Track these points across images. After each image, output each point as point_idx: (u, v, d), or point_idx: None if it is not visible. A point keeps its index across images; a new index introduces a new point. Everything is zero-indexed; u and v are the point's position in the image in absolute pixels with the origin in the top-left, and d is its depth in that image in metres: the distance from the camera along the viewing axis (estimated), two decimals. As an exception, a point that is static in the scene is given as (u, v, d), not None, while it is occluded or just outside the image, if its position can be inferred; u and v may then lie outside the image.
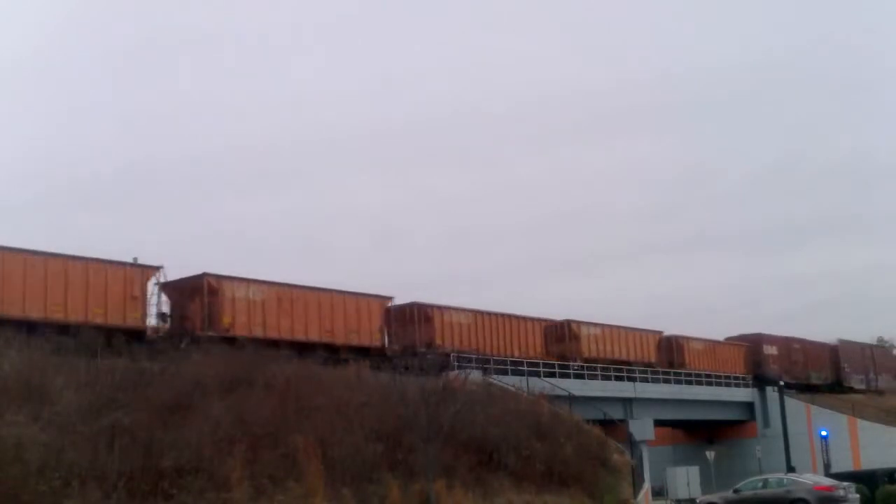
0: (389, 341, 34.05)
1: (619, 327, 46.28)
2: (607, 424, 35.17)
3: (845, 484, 32.73)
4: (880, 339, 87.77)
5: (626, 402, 42.37)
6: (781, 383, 50.25)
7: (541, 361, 38.70)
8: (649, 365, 46.30)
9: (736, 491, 33.60)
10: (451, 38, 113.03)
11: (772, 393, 51.02)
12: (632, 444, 35.54)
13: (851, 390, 59.47)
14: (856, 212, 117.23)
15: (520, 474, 25.72)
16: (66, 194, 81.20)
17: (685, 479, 37.36)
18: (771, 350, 55.70)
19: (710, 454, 42.37)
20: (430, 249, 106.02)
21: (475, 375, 32.71)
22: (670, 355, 49.71)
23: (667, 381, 46.47)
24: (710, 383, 49.72)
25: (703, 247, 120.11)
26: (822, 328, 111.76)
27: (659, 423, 45.05)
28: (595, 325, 44.55)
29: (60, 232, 72.59)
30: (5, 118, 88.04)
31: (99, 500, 16.60)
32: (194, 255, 76.32)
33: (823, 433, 46.93)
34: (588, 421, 32.96)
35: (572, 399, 35.19)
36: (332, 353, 31.21)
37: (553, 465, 26.89)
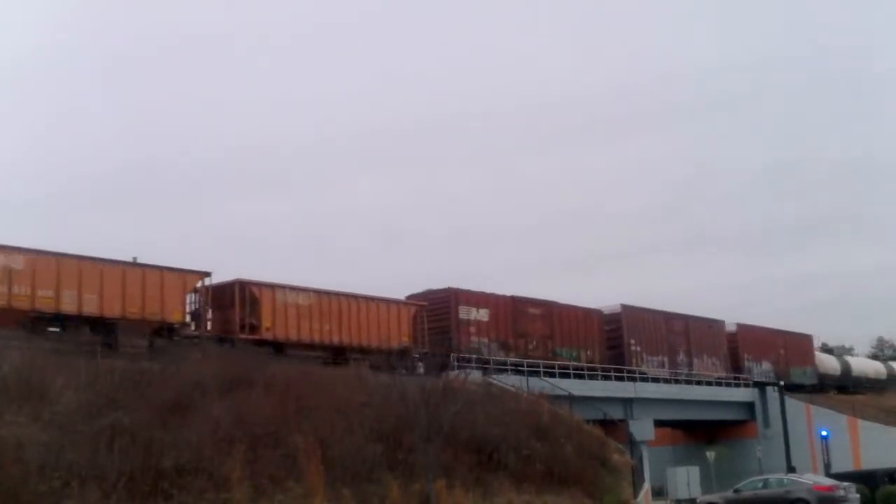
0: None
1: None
2: (607, 424, 35.17)
3: (845, 484, 32.74)
4: (880, 340, 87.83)
5: (626, 402, 42.33)
6: (781, 383, 50.27)
7: (541, 361, 38.69)
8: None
9: (736, 491, 33.61)
10: (456, 39, 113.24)
11: (772, 393, 51.01)
12: (632, 444, 35.56)
13: (637, 375, 43.68)
14: (857, 212, 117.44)
15: (520, 474, 25.71)
16: (67, 194, 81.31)
17: (685, 479, 37.28)
18: (477, 314, 37.50)
19: (711, 454, 42.33)
20: (434, 249, 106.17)
21: (475, 375, 32.72)
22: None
23: (667, 382, 46.45)
24: (710, 383, 49.70)
25: (704, 247, 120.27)
26: (823, 329, 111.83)
27: (659, 424, 45.00)
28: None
29: (61, 231, 72.86)
30: (6, 118, 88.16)
31: (99, 500, 16.61)
32: (195, 254, 76.55)
33: (824, 433, 46.91)
34: (588, 421, 32.95)
35: (572, 399, 35.17)
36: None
37: (553, 465, 26.89)
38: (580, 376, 40.11)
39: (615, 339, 44.32)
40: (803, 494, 31.49)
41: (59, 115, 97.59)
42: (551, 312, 40.88)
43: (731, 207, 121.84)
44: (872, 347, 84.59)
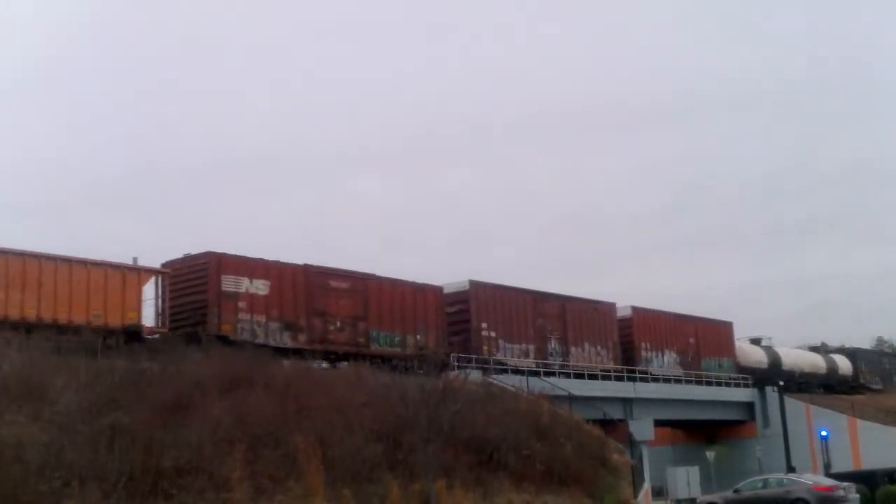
0: None
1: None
2: (607, 424, 35.17)
3: (845, 484, 32.74)
4: (880, 340, 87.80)
5: (626, 402, 42.32)
6: (781, 383, 50.28)
7: (540, 361, 38.66)
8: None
9: (736, 491, 33.61)
10: (460, 40, 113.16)
11: (772, 393, 51.02)
12: (632, 444, 35.55)
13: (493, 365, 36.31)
14: (857, 214, 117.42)
15: (520, 474, 25.71)
16: (71, 196, 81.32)
17: (685, 479, 37.32)
18: (250, 286, 29.37)
19: (710, 454, 42.36)
20: (439, 251, 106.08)
21: (475, 375, 32.70)
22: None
23: (667, 381, 46.44)
24: (710, 383, 49.70)
25: (705, 249, 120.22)
26: (825, 328, 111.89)
27: (659, 423, 45.01)
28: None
29: (65, 234, 72.86)
30: (11, 123, 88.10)
31: (99, 500, 16.60)
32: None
33: (823, 433, 46.92)
34: (588, 421, 32.94)
35: (572, 399, 35.18)
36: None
37: (553, 465, 26.88)
38: (580, 376, 40.03)
39: (460, 322, 36.69)
40: (803, 494, 31.48)
41: (58, 114, 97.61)
42: (365, 287, 32.85)
43: (732, 209, 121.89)
44: (872, 347, 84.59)
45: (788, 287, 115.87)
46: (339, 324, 31.66)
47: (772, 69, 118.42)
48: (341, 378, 27.22)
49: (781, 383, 50.39)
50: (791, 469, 41.69)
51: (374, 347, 32.54)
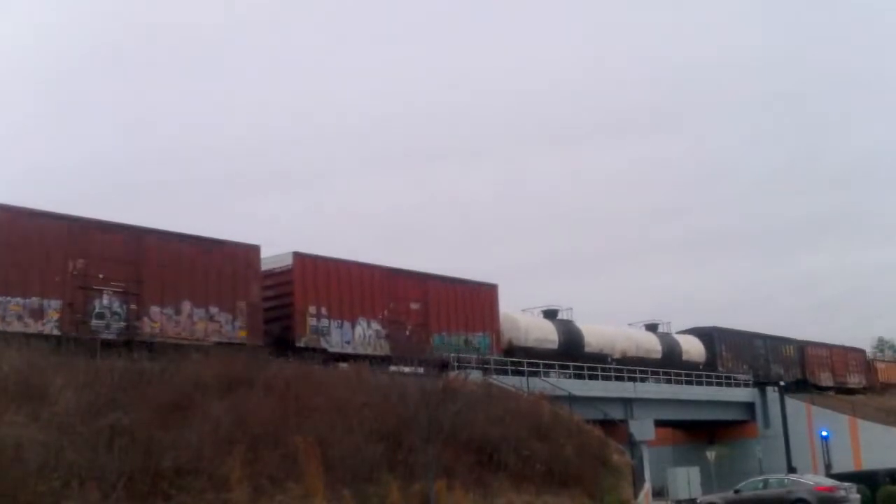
0: None
1: None
2: (607, 424, 35.15)
3: (846, 484, 32.77)
4: (880, 340, 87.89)
5: (627, 402, 42.31)
6: (782, 384, 50.27)
7: (541, 362, 38.63)
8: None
9: (737, 491, 33.65)
10: (460, 39, 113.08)
11: (772, 393, 51.01)
12: (632, 445, 35.49)
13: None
14: (860, 213, 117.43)
15: (520, 475, 25.69)
16: (73, 197, 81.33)
17: (686, 479, 37.29)
18: None
19: (711, 454, 42.36)
20: (440, 249, 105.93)
21: (475, 375, 32.69)
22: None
23: (667, 381, 46.44)
24: (710, 383, 49.70)
25: (707, 247, 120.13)
26: (827, 329, 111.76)
27: (659, 424, 44.97)
28: None
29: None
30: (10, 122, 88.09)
31: (98, 500, 16.56)
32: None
33: (824, 434, 46.95)
34: (588, 421, 32.93)
35: (572, 399, 35.16)
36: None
37: (553, 465, 26.86)
38: (580, 376, 40.01)
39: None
40: (804, 495, 31.53)
41: (58, 115, 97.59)
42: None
43: (732, 209, 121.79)
44: (873, 348, 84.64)
45: (788, 287, 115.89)
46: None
47: (772, 69, 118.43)
48: (341, 378, 27.20)
49: (782, 383, 50.40)
50: (792, 469, 41.72)
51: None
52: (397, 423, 23.51)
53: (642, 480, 32.43)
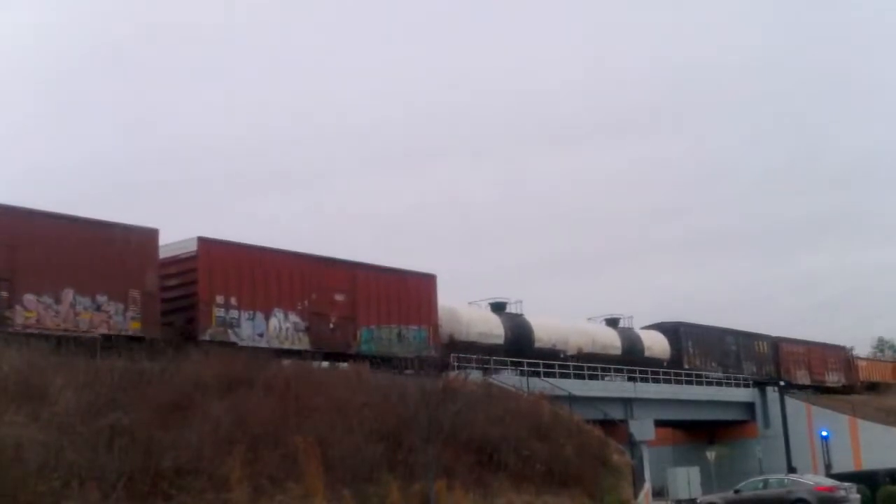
0: None
1: None
2: (607, 424, 35.18)
3: (846, 484, 32.80)
4: (880, 340, 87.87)
5: (627, 402, 42.35)
6: (782, 383, 50.29)
7: (541, 362, 38.64)
8: None
9: (737, 491, 33.67)
10: (460, 39, 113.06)
11: (772, 393, 51.04)
12: (632, 445, 35.51)
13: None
14: (859, 213, 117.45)
15: (520, 475, 25.69)
16: (73, 197, 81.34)
17: (686, 479, 37.33)
18: None
19: (711, 454, 42.38)
20: (440, 249, 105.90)
21: (475, 375, 32.69)
22: None
23: (667, 381, 46.45)
24: (710, 383, 49.70)
25: (706, 248, 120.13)
26: (827, 329, 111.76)
27: (659, 424, 45.00)
28: None
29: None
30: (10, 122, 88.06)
31: (98, 500, 16.55)
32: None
33: (824, 434, 46.97)
34: (588, 421, 32.94)
35: (572, 399, 35.17)
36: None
37: (553, 465, 26.87)
38: (580, 376, 39.99)
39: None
40: (804, 495, 31.55)
41: (58, 115, 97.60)
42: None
43: (732, 209, 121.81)
44: (873, 348, 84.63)
45: (788, 287, 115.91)
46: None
47: (772, 69, 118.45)
48: (341, 378, 27.19)
49: (782, 383, 50.43)
50: (792, 469, 41.76)
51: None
52: (397, 423, 23.50)
53: (642, 480, 32.44)
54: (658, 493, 38.88)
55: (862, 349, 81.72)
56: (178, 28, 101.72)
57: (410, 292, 33.48)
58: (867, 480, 35.93)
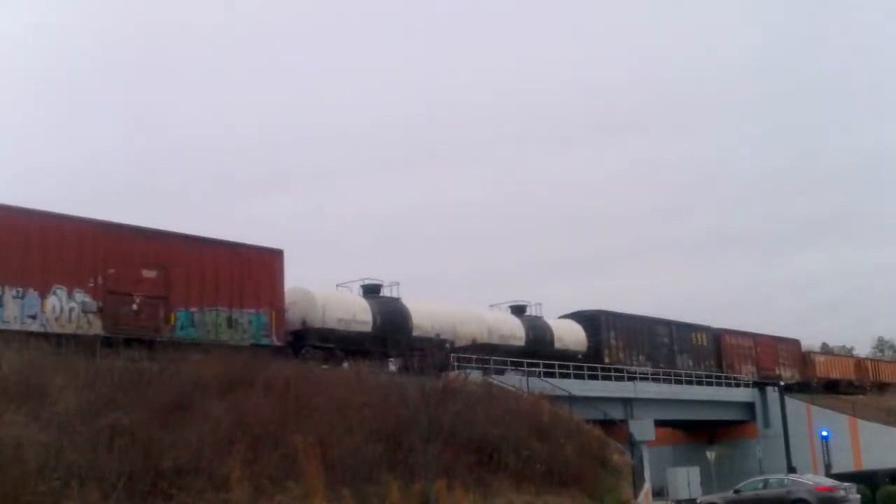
0: None
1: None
2: (607, 424, 35.19)
3: (846, 484, 32.77)
4: (880, 340, 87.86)
5: (627, 402, 42.34)
6: (782, 384, 50.29)
7: (541, 362, 38.62)
8: None
9: (736, 491, 33.63)
10: (460, 39, 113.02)
11: (772, 393, 51.03)
12: (632, 445, 35.50)
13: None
14: (860, 213, 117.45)
15: (520, 475, 25.68)
16: (73, 196, 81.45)
17: (686, 479, 37.32)
18: None
19: (711, 454, 42.38)
20: (440, 249, 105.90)
21: (475, 375, 32.69)
22: None
23: (667, 381, 46.43)
24: (710, 383, 49.68)
25: (707, 248, 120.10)
26: (827, 329, 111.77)
27: (659, 424, 44.98)
28: None
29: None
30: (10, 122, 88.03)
31: (98, 500, 16.56)
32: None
33: (824, 434, 46.96)
34: (588, 421, 32.94)
35: (572, 399, 35.17)
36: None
37: (553, 465, 26.86)
38: (580, 376, 39.96)
39: None
40: (804, 495, 31.51)
41: (58, 115, 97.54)
42: None
43: (732, 209, 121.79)
44: (873, 348, 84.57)
45: (788, 287, 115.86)
46: None
47: (771, 69, 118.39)
48: (341, 378, 27.19)
49: (782, 383, 50.40)
50: (792, 469, 41.71)
51: None
52: (397, 423, 23.50)
53: (642, 480, 32.42)
54: (658, 493, 38.87)
55: (862, 349, 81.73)
56: (178, 28, 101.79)
57: (247, 270, 28.78)
58: (867, 480, 35.92)
